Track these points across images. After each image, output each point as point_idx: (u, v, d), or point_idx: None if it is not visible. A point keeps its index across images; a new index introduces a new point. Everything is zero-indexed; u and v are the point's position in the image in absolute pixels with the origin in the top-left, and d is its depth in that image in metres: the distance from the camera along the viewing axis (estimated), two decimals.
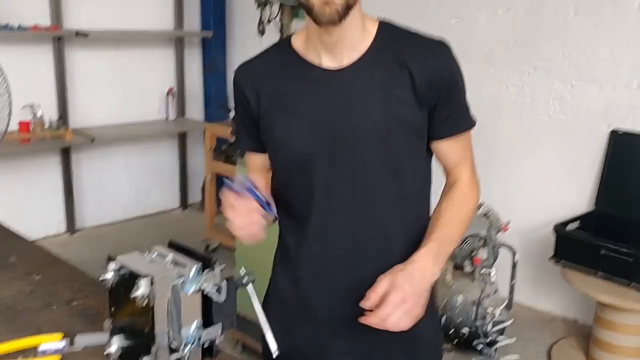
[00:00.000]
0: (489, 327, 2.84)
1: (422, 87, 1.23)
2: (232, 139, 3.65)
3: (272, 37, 3.96)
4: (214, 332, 1.18)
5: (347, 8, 1.17)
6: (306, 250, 1.33)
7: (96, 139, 4.14)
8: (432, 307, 1.44)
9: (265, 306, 1.44)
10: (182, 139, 5.03)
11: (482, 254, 3.06)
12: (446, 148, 1.33)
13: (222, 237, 4.08)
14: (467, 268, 3.09)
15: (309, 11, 1.17)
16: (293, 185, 1.31)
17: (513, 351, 2.93)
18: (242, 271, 1.34)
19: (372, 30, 1.27)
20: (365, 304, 1.14)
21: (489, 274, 3.01)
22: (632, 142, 3.09)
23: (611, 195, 3.16)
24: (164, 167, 5.00)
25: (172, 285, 1.12)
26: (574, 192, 3.32)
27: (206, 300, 1.17)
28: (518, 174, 3.51)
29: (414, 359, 1.39)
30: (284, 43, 1.32)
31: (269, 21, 3.78)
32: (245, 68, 1.35)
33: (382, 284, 1.15)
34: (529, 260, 3.48)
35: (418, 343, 1.37)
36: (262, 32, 3.78)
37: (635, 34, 3.02)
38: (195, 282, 1.13)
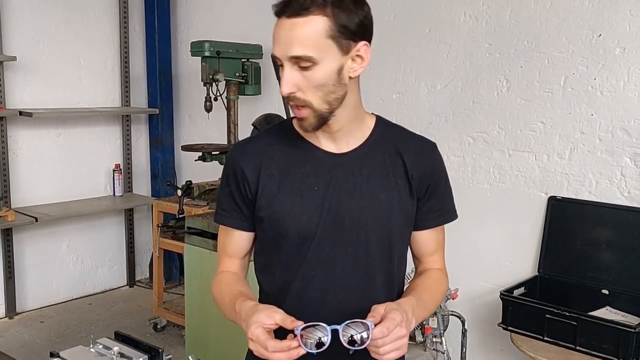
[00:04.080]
0: None
1: (413, 179, 1.32)
2: (182, 215, 3.64)
3: (219, 113, 4.03)
4: None
5: (322, 119, 1.23)
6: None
7: (40, 218, 4.05)
8: None
9: None
10: (129, 215, 4.97)
11: (432, 323, 3.09)
12: (425, 237, 1.40)
13: (170, 315, 3.99)
14: (419, 338, 3.11)
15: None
16: (294, 262, 1.31)
17: None
18: (192, 358, 1.33)
19: (371, 122, 1.35)
20: (371, 318, 1.13)
21: (440, 342, 3.04)
22: (569, 207, 3.22)
23: (553, 260, 3.26)
24: (111, 244, 4.92)
25: None
26: (518, 258, 3.41)
27: None
28: (464, 241, 3.59)
29: None
30: (286, 124, 1.37)
31: (215, 99, 3.84)
32: (246, 146, 1.37)
33: (380, 307, 1.15)
34: (479, 326, 3.52)
35: None
36: (209, 109, 3.83)
37: (562, 107, 3.19)
38: None
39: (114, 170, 4.74)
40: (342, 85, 1.21)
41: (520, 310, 2.98)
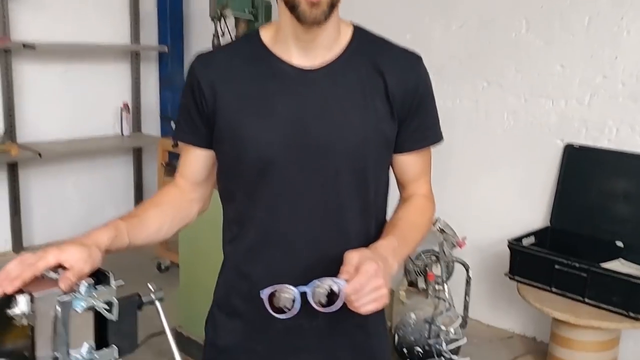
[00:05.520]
0: (443, 345, 2.76)
1: (395, 97, 1.18)
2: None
3: None
4: (109, 355, 1.08)
5: (332, 7, 1.11)
6: (266, 257, 1.22)
7: (45, 154, 4.00)
8: (383, 326, 1.37)
9: (211, 321, 1.34)
10: (138, 155, 4.90)
11: (436, 270, 2.99)
12: (409, 161, 1.27)
13: (174, 256, 3.95)
14: (421, 285, 3.02)
15: (292, 8, 1.09)
16: (255, 190, 1.19)
17: None
18: (151, 287, 1.25)
19: (347, 33, 1.21)
20: (342, 275, 1.03)
21: (443, 290, 2.94)
22: (586, 156, 3.06)
23: (566, 211, 3.12)
24: (118, 183, 4.87)
25: (58, 303, 1.01)
26: (529, 208, 3.28)
27: (102, 320, 1.07)
28: (473, 189, 3.47)
29: None
30: (253, 35, 1.23)
31: (222, 34, 3.71)
32: (205, 58, 1.24)
33: (353, 256, 1.05)
34: (486, 277, 3.42)
35: (370, 355, 1.32)
36: (216, 45, 3.70)
37: (584, 50, 3.01)
38: (85, 298, 1.02)
39: (121, 109, 4.66)
40: None
41: (528, 260, 2.87)
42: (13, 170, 4.15)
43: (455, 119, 3.37)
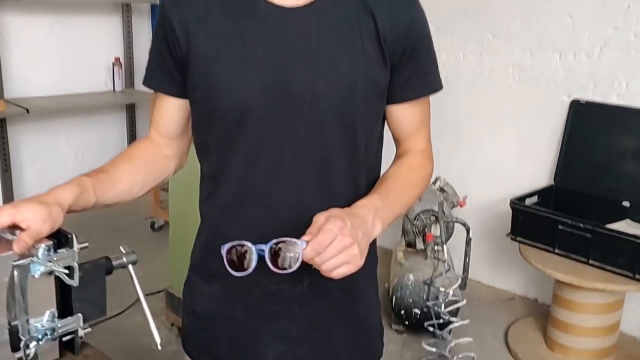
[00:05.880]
0: (442, 307, 2.68)
1: (387, 41, 1.05)
2: None
3: None
4: (74, 323, 0.98)
5: None
6: (244, 216, 1.11)
7: (33, 110, 3.87)
8: (374, 291, 1.27)
9: (188, 287, 1.25)
10: (131, 111, 4.77)
11: (435, 230, 2.90)
12: (404, 113, 1.15)
13: (168, 214, 3.85)
14: (419, 245, 2.93)
15: None
16: (231, 144, 1.08)
17: (468, 333, 2.78)
18: (122, 249, 1.15)
19: None
20: (305, 236, 0.94)
21: (442, 251, 2.86)
22: (593, 112, 2.94)
23: (571, 169, 3.01)
24: (112, 140, 4.74)
25: (14, 267, 0.91)
26: (532, 166, 3.17)
27: (68, 286, 0.97)
28: (475, 147, 3.35)
29: (355, 345, 1.22)
30: None
31: None
32: None
33: (320, 217, 0.96)
34: (487, 237, 3.34)
35: (360, 327, 1.22)
36: None
37: None
38: (44, 262, 0.92)
39: (113, 64, 4.51)
40: None
41: (531, 220, 2.77)
42: (1, 126, 4.03)
43: (458, 74, 3.23)
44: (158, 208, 3.95)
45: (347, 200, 1.09)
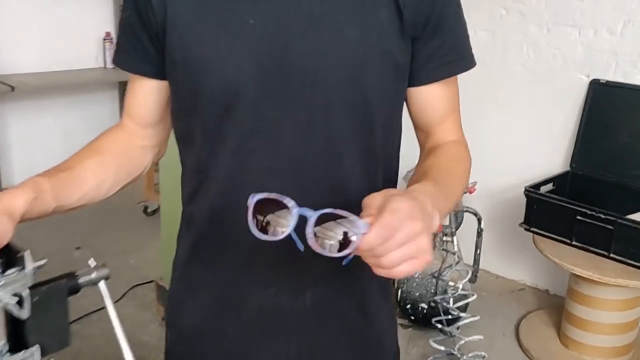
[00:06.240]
0: (451, 302, 2.52)
1: (406, 4, 0.87)
2: None
3: None
4: (30, 357, 0.81)
5: None
6: (236, 219, 0.90)
7: (19, 88, 3.68)
8: (390, 306, 1.08)
9: (172, 296, 1.06)
10: (123, 89, 4.56)
11: (444, 219, 2.72)
12: (431, 96, 0.96)
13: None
14: None
15: None
16: (219, 132, 0.90)
17: (477, 327, 2.62)
18: (91, 263, 0.97)
19: None
20: (364, 218, 0.68)
21: (451, 242, 2.68)
22: (615, 93, 2.75)
23: (589, 154, 2.83)
24: (104, 120, 4.54)
25: None
26: (547, 151, 2.98)
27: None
28: (486, 129, 3.16)
29: None
30: None
31: None
32: None
33: (375, 198, 0.71)
34: (497, 226, 3.17)
35: (372, 349, 1.03)
36: None
37: None
38: None
39: (104, 39, 4.30)
40: None
41: (547, 209, 2.59)
42: None
43: None
44: (152, 191, 3.76)
45: (359, 199, 0.91)
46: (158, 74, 0.94)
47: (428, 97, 0.96)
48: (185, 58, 0.87)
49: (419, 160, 0.99)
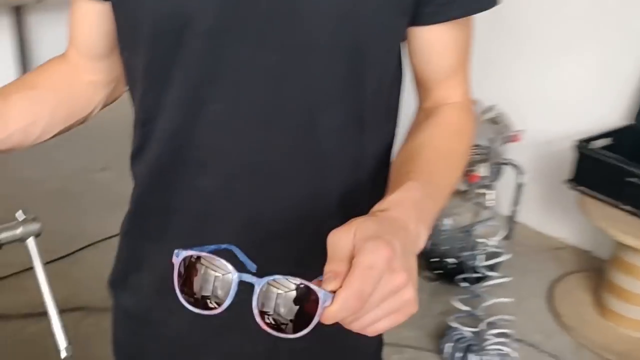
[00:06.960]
0: (479, 260, 2.33)
1: None
2: None
3: None
4: None
5: None
6: (182, 186, 0.76)
7: None
8: (378, 344, 0.93)
9: (115, 269, 0.90)
10: (18, 14, 3.79)
11: (482, 169, 2.49)
12: (437, 42, 0.75)
13: None
14: (461, 186, 2.54)
15: None
16: (166, 72, 0.71)
17: (507, 287, 2.41)
18: (19, 216, 0.83)
19: None
20: (329, 283, 0.52)
21: (488, 195, 2.47)
22: None
23: None
24: None
25: None
26: (608, 101, 2.68)
27: None
28: (540, 71, 2.86)
29: None
30: None
31: None
32: None
33: (341, 239, 0.54)
34: (540, 181, 2.92)
35: (346, 349, 0.86)
36: None
37: None
38: None
39: None
40: None
41: (598, 167, 2.34)
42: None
43: None
44: None
45: (343, 173, 0.74)
46: None
47: (433, 43, 0.75)
48: None
49: (412, 124, 0.80)
